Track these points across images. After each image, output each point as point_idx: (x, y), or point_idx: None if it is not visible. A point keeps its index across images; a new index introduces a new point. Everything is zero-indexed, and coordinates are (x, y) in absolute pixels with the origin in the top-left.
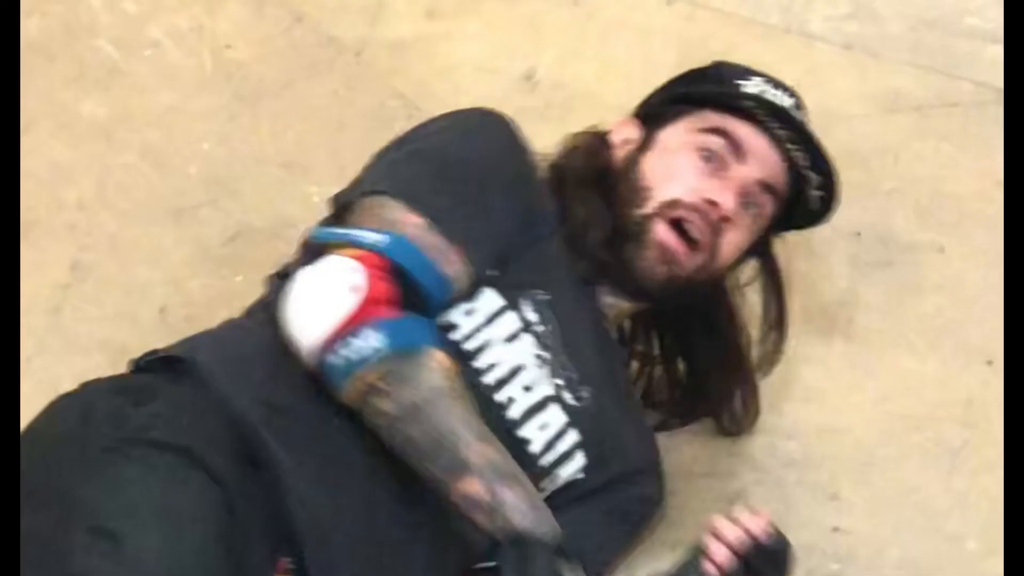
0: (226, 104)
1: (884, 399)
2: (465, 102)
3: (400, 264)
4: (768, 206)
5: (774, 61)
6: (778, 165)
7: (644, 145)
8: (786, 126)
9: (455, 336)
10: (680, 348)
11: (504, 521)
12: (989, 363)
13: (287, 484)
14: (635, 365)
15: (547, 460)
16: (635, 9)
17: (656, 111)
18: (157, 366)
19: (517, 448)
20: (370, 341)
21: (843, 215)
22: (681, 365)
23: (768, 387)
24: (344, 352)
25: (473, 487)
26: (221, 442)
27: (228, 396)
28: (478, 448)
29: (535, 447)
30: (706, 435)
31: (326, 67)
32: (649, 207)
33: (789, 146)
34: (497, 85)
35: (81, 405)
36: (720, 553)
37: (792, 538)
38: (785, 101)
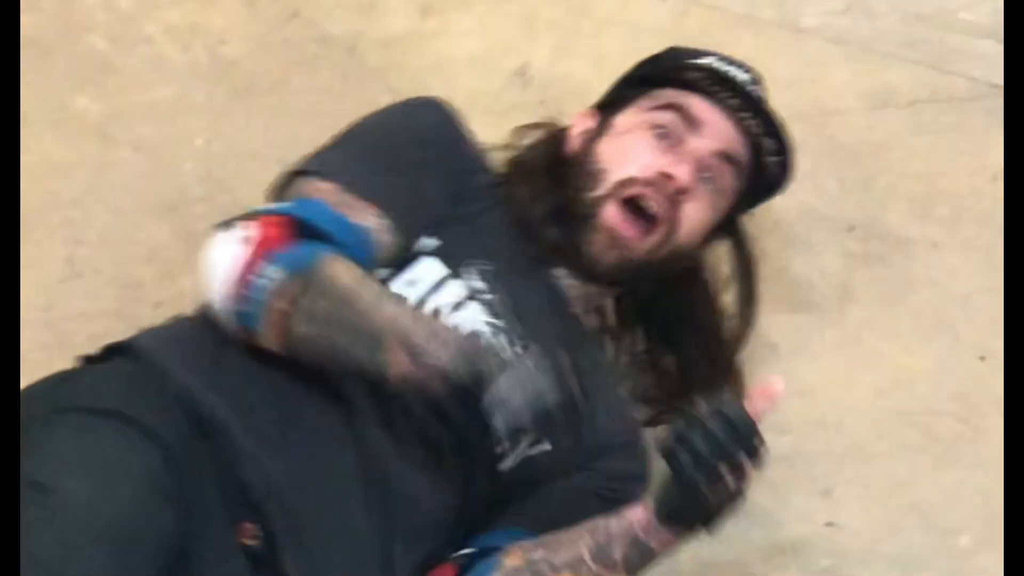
0: (220, 100)
1: (877, 394)
2: (458, 97)
3: (302, 217)
4: (728, 177)
5: (768, 56)
6: (733, 134)
7: (600, 131)
8: (736, 95)
9: None
10: (664, 339)
11: (441, 377)
12: (982, 358)
13: (239, 449)
14: (623, 360)
15: None
16: (629, 5)
17: (613, 98)
18: (102, 357)
19: (468, 415)
20: (270, 274)
21: (837, 210)
22: (668, 359)
23: (761, 382)
24: (250, 294)
25: (403, 363)
26: (160, 409)
27: (167, 369)
28: (391, 324)
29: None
30: None
31: (320, 63)
32: (603, 189)
33: (742, 115)
34: (490, 81)
35: (26, 396)
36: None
37: (785, 533)
38: (739, 75)
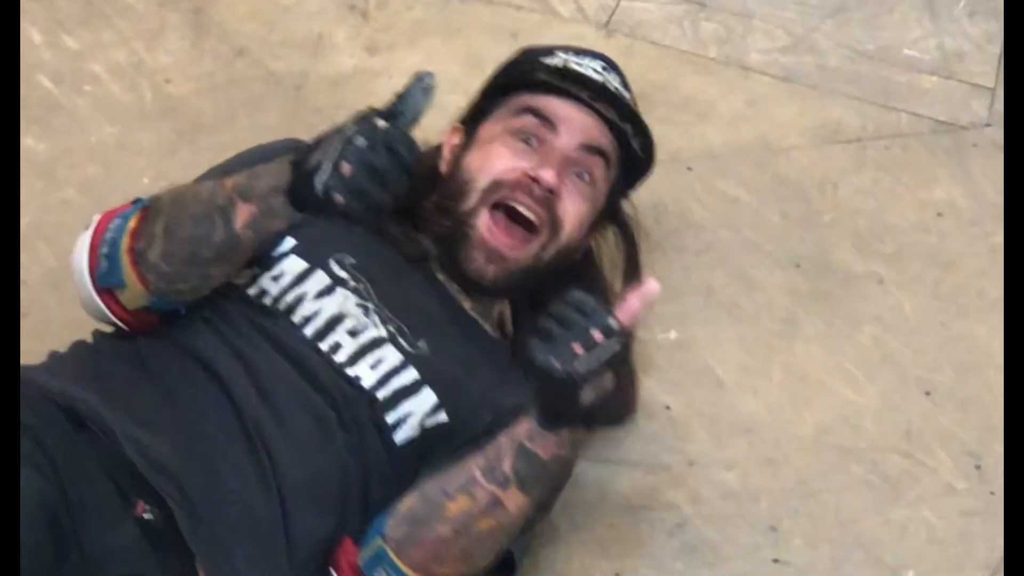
0: (165, 138)
1: (823, 430)
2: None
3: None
4: (598, 168)
5: (714, 93)
6: (594, 126)
7: (466, 144)
8: (587, 87)
9: (266, 301)
10: None
11: (280, 198)
12: (927, 393)
13: (118, 434)
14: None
15: (384, 393)
16: (574, 43)
17: (475, 111)
18: None
19: (350, 387)
20: (115, 226)
21: (782, 245)
22: None
23: (707, 418)
24: (103, 251)
25: (246, 210)
26: (34, 410)
27: (41, 382)
28: (224, 191)
29: (367, 382)
30: (645, 468)
31: (266, 101)
32: (473, 199)
33: (597, 106)
34: (436, 118)
35: None
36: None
37: (731, 569)
38: (590, 65)
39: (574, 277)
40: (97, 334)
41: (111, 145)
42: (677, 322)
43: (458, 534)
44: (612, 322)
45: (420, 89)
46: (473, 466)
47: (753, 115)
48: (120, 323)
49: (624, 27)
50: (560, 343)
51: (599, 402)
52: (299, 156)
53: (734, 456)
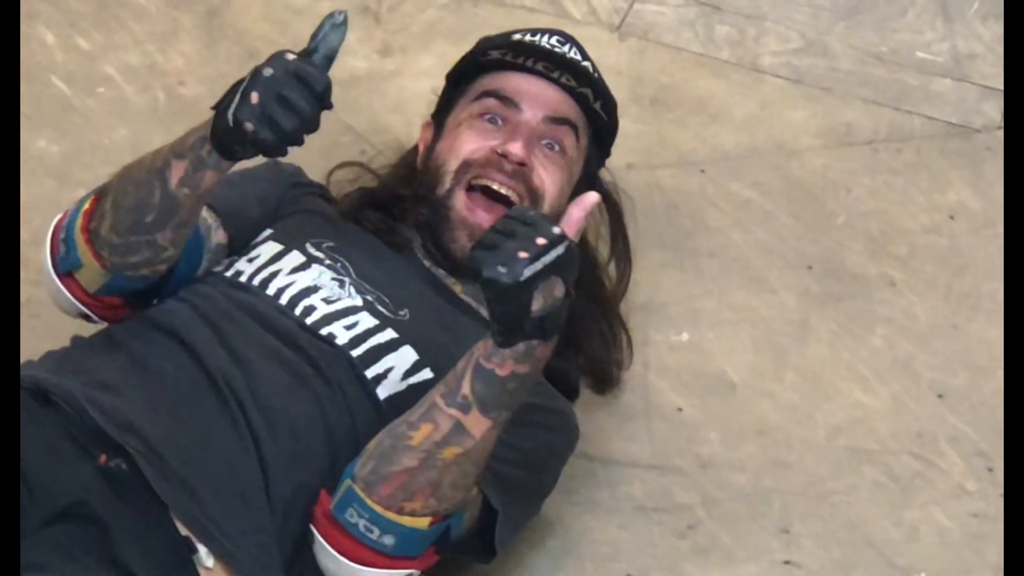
0: None
1: (835, 432)
2: (417, 136)
3: None
4: (569, 138)
5: (726, 95)
6: (556, 97)
7: (435, 136)
8: (541, 59)
9: (242, 279)
10: None
11: (205, 145)
12: (939, 396)
13: (81, 401)
14: None
15: (359, 352)
16: (587, 44)
17: (441, 104)
18: None
19: (325, 344)
20: (69, 216)
21: (795, 248)
22: None
23: (719, 420)
24: (62, 236)
25: (180, 166)
26: None
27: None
28: (162, 153)
29: (341, 340)
30: (656, 469)
31: None
32: (447, 182)
33: (554, 75)
34: None
35: None
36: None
37: (743, 571)
38: (544, 40)
39: None
40: (74, 338)
41: (124, 146)
42: (689, 324)
43: (424, 464)
44: (555, 229)
45: (331, 25)
46: (435, 394)
47: (766, 117)
48: (86, 309)
49: (637, 30)
50: (504, 251)
51: (551, 310)
52: (221, 113)
53: (746, 458)
